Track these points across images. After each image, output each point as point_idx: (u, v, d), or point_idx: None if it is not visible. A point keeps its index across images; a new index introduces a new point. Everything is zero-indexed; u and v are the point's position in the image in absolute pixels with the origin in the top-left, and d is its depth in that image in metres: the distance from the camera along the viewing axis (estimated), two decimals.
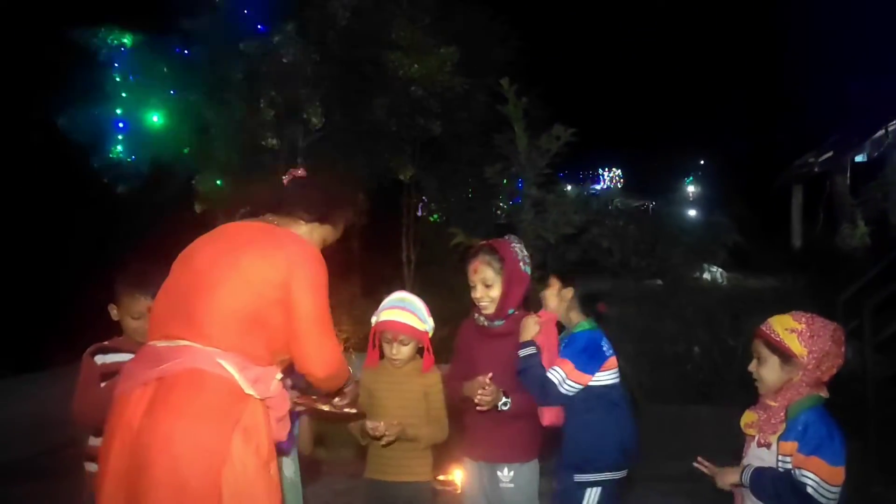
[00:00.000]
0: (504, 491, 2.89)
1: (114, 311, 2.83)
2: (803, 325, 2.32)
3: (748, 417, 2.45)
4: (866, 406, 4.88)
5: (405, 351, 2.95)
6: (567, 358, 2.85)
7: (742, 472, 2.34)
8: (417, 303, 2.99)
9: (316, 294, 2.10)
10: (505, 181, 6.88)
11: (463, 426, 3.03)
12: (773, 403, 2.36)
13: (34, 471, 5.45)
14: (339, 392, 2.42)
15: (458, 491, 4.98)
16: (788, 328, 2.33)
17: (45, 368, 6.44)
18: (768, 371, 2.37)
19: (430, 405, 2.95)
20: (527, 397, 2.84)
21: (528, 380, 2.83)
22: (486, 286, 2.87)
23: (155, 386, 1.91)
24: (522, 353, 2.82)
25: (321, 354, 2.14)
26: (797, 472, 2.21)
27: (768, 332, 2.37)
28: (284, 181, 2.37)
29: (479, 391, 2.75)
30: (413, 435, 2.89)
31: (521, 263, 2.89)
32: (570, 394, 2.83)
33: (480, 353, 2.92)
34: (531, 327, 2.84)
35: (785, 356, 2.32)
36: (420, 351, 3.03)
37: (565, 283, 2.98)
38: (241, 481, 1.87)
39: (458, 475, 5.17)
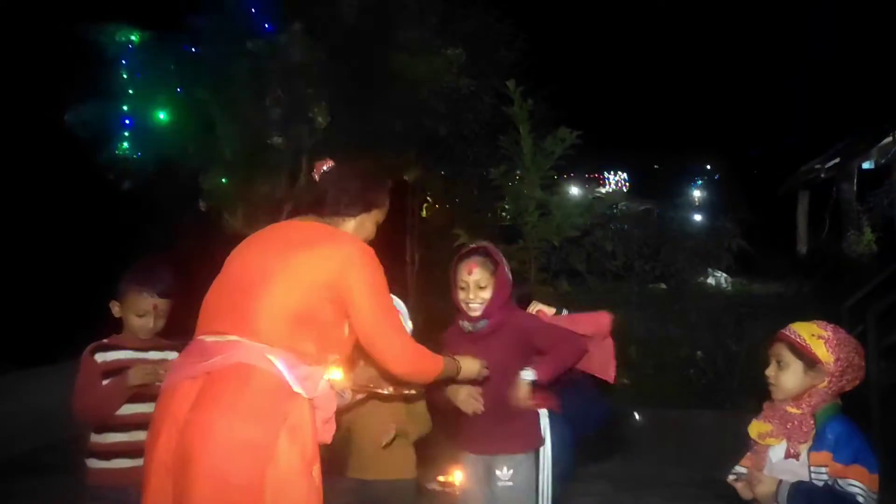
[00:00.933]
0: (502, 489, 2.89)
1: (115, 308, 2.80)
2: (830, 333, 2.29)
3: (760, 427, 2.38)
4: (870, 413, 4.86)
5: None
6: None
7: (778, 487, 2.22)
8: (400, 304, 3.00)
9: (378, 295, 2.13)
10: (510, 183, 6.88)
11: (458, 423, 3.02)
12: (794, 410, 2.29)
13: (36, 466, 5.47)
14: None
15: (458, 492, 4.98)
16: (815, 334, 2.29)
17: (48, 363, 6.45)
18: (789, 376, 2.31)
19: (410, 401, 2.93)
20: (549, 358, 2.88)
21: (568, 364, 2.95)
22: (480, 287, 2.90)
23: (203, 380, 1.91)
24: (526, 377, 2.84)
25: (395, 353, 2.17)
26: (842, 482, 2.13)
27: (794, 336, 2.32)
28: (315, 176, 2.34)
29: (473, 401, 2.81)
30: (402, 430, 2.90)
31: (506, 268, 2.97)
32: None
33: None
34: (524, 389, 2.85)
35: (810, 362, 2.28)
36: None
37: None
38: (283, 480, 1.85)
39: (458, 476, 5.16)
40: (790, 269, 8.75)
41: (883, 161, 11.90)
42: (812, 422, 2.26)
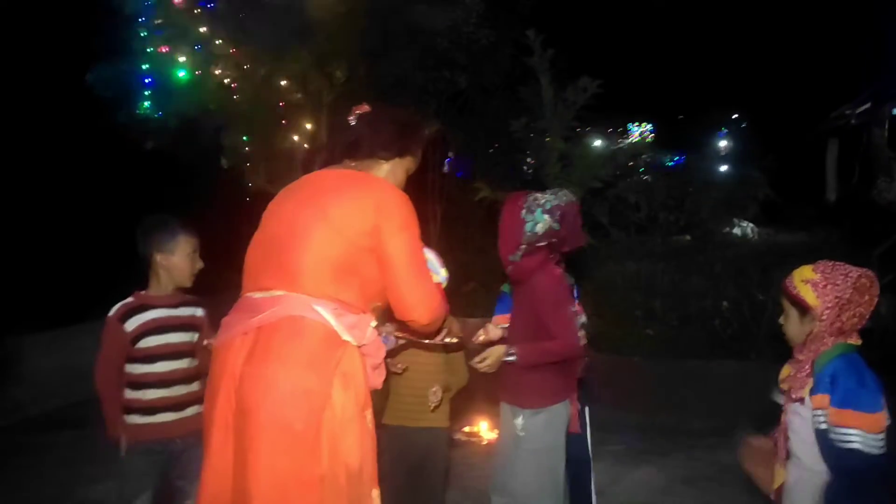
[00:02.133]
0: (519, 438, 2.91)
1: (162, 259, 2.79)
2: (819, 275, 2.24)
3: (785, 371, 2.41)
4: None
5: None
6: None
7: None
8: (429, 254, 3.00)
9: (409, 239, 2.09)
10: (531, 135, 6.80)
11: (554, 376, 2.96)
12: (800, 357, 2.31)
13: (72, 419, 5.64)
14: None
15: (483, 442, 5.07)
16: (805, 279, 2.26)
17: (80, 321, 6.59)
18: (790, 324, 2.33)
19: (450, 350, 2.96)
20: (535, 347, 2.84)
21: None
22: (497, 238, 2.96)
23: (255, 335, 1.95)
24: (507, 358, 2.84)
25: (423, 300, 2.11)
26: (838, 431, 2.12)
27: (789, 284, 2.31)
28: (351, 120, 2.31)
29: (476, 360, 2.83)
30: (445, 386, 2.95)
31: (522, 211, 2.87)
32: None
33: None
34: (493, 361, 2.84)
35: (802, 308, 2.27)
36: None
37: None
38: (338, 425, 1.90)
39: (483, 426, 5.25)
40: (818, 217, 8.62)
41: None
42: (808, 368, 2.25)
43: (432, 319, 2.17)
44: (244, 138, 7.22)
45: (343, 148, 2.26)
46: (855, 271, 2.25)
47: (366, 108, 2.33)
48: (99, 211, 9.21)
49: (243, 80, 6.96)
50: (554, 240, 2.87)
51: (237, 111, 7.06)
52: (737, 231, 7.86)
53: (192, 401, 2.78)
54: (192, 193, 8.02)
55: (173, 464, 2.78)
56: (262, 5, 6.65)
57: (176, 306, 2.84)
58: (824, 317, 2.23)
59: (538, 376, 2.89)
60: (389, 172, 2.28)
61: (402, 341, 2.43)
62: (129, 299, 2.80)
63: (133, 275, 2.90)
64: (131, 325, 2.73)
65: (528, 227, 2.85)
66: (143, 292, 2.84)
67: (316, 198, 2.09)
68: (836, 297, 2.21)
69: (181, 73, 6.96)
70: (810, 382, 2.23)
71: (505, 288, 3.22)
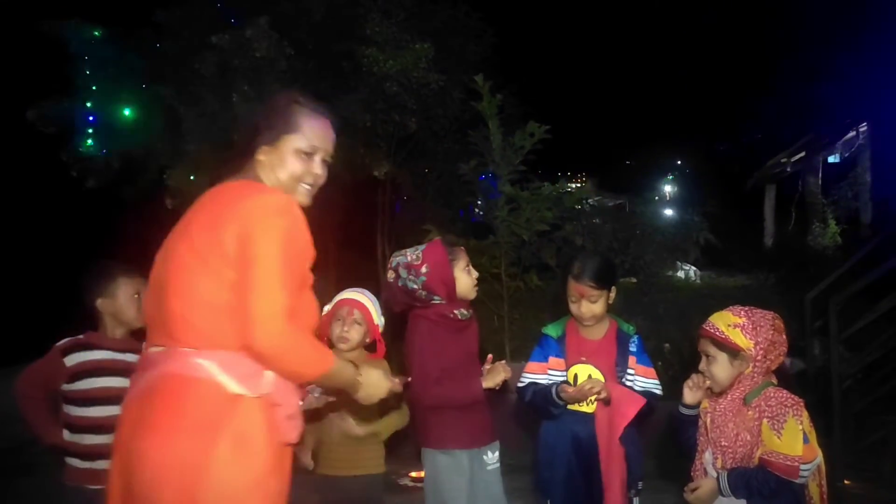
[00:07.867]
0: (491, 473, 2.91)
1: (104, 304, 2.77)
2: (744, 319, 2.35)
3: (703, 404, 2.51)
4: (832, 403, 4.93)
5: (356, 332, 2.93)
6: None
7: (718, 483, 2.33)
8: (374, 298, 3.05)
9: (272, 242, 1.70)
10: (482, 177, 6.89)
11: (436, 421, 2.89)
12: (730, 397, 2.40)
13: None
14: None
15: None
16: (731, 324, 2.35)
17: (6, 365, 6.33)
18: (719, 368, 2.39)
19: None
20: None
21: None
22: None
23: (138, 402, 1.73)
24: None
25: (269, 317, 1.67)
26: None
27: (712, 330, 2.39)
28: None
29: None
30: (373, 430, 2.89)
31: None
32: None
33: None
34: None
35: (732, 351, 2.34)
36: (368, 347, 3.03)
37: None
38: (227, 495, 1.65)
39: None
40: (757, 261, 8.88)
41: (847, 155, 12.09)
42: (740, 406, 2.35)
43: (271, 348, 1.70)
44: (191, 178, 7.13)
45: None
46: (768, 314, 2.38)
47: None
48: (29, 253, 8.94)
49: (190, 119, 6.90)
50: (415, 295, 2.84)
51: (184, 151, 6.98)
52: (680, 274, 8.04)
53: None
54: (137, 234, 7.86)
55: None
56: (211, 46, 6.65)
57: (122, 351, 2.79)
58: (758, 357, 2.32)
59: (488, 410, 2.94)
60: (269, 164, 1.93)
61: (331, 397, 2.21)
62: (79, 336, 2.78)
63: (61, 320, 2.84)
64: (72, 360, 2.70)
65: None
66: (94, 332, 2.81)
67: (187, 226, 1.80)
68: (765, 338, 2.32)
69: (125, 112, 6.88)
70: (764, 423, 2.28)
71: (549, 330, 3.07)
